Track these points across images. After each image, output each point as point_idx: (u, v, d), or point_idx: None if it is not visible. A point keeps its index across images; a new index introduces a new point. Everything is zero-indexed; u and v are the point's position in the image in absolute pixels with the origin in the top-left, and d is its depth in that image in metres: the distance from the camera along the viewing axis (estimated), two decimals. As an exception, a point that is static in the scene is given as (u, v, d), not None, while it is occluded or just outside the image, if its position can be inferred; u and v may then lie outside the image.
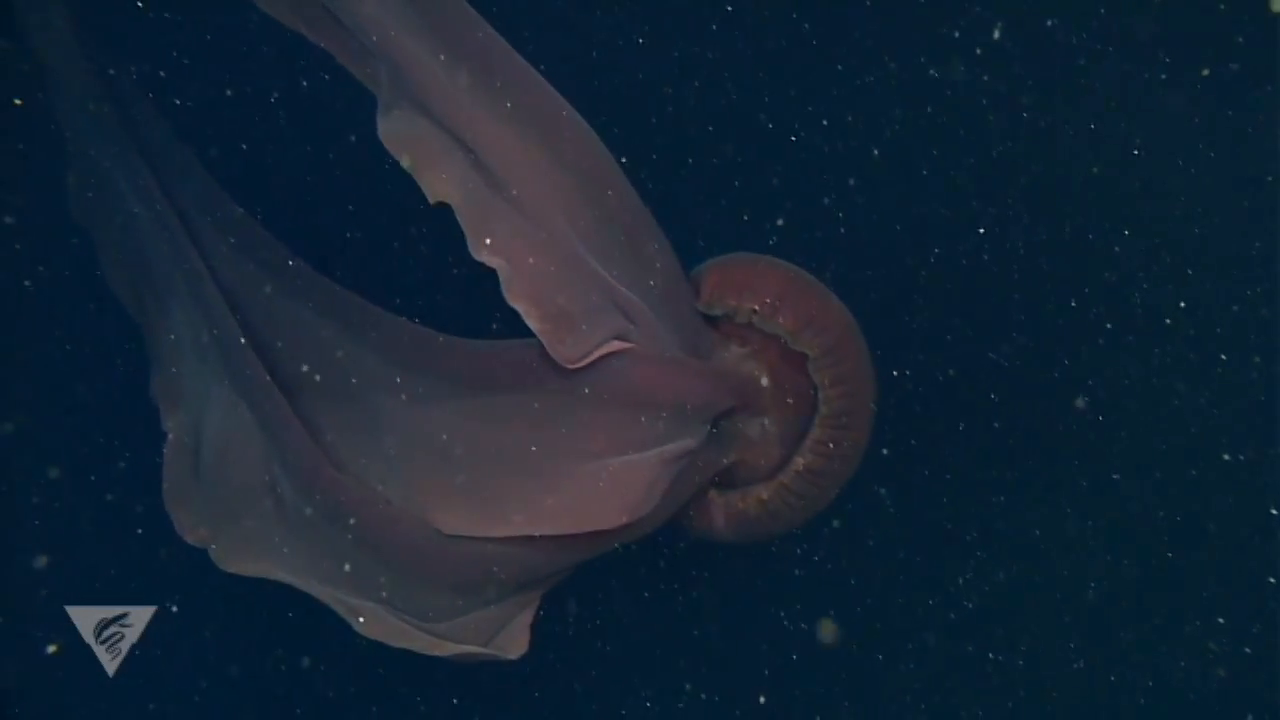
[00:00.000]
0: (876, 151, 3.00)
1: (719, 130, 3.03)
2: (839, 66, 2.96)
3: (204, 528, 2.14)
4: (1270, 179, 2.83)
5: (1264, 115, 2.81)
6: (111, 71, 2.33)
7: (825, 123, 2.98)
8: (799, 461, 2.26)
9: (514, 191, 1.93)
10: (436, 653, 2.06)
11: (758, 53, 2.99)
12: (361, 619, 2.04)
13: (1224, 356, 2.90)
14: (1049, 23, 2.88)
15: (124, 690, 2.89)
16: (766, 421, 2.28)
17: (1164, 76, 2.86)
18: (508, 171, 1.92)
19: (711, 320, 2.28)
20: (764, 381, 2.26)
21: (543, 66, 1.99)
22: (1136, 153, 2.88)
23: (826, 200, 3.00)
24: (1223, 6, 2.78)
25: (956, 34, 2.91)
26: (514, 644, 2.15)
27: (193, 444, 2.19)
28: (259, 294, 2.13)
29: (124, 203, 2.26)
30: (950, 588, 3.04)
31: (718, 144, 3.03)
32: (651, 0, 2.99)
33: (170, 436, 2.22)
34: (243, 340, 2.05)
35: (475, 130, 1.91)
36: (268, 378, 2.03)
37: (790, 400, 2.25)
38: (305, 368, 2.08)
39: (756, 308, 2.21)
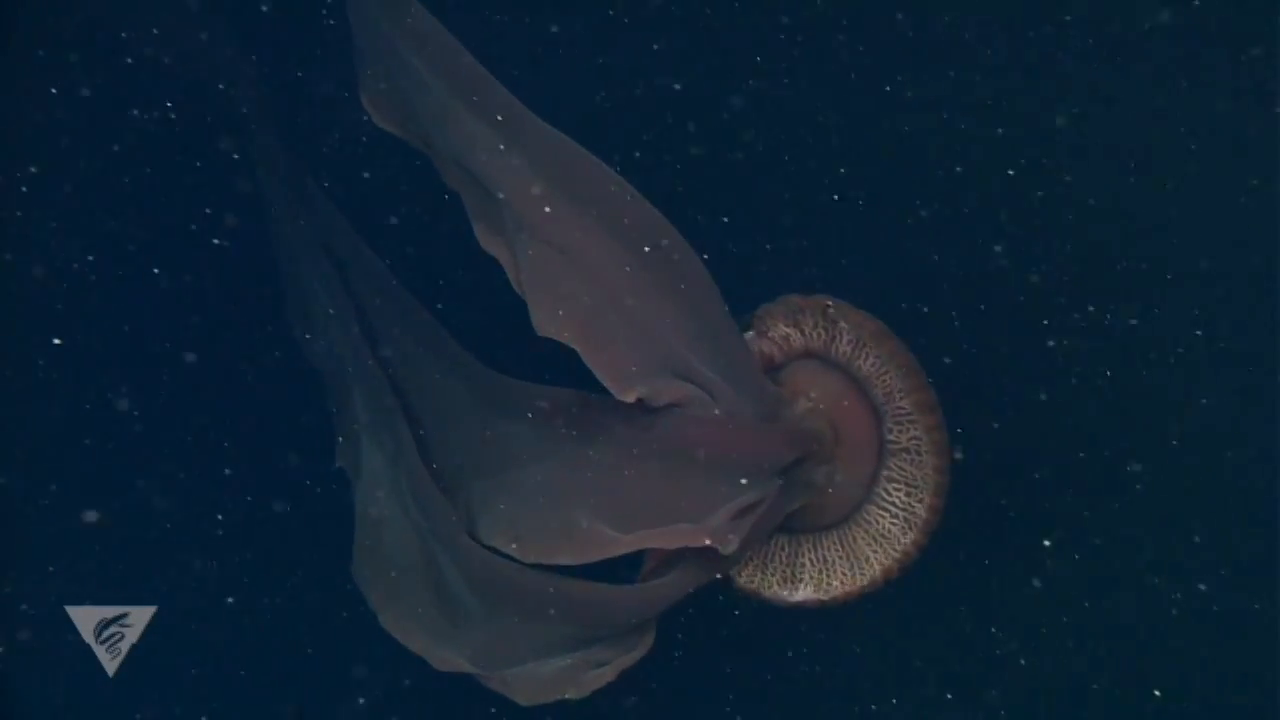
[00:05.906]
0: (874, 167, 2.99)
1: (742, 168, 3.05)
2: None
3: (376, 594, 2.38)
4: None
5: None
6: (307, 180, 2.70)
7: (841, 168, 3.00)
8: (906, 540, 2.36)
9: (583, 265, 2.13)
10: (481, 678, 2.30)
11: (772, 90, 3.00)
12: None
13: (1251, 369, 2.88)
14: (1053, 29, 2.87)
15: (124, 690, 2.89)
16: (831, 470, 2.36)
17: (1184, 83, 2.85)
18: (580, 256, 2.13)
19: (776, 379, 2.38)
20: (828, 433, 2.35)
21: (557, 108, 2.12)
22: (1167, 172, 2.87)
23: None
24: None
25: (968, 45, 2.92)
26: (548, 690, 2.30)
27: (369, 516, 2.42)
28: (417, 378, 2.42)
29: (317, 295, 2.56)
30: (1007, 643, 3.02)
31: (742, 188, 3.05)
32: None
33: (357, 510, 2.45)
34: (405, 425, 2.33)
35: (543, 215, 2.13)
36: (419, 461, 2.29)
37: (854, 450, 2.37)
38: (450, 439, 2.36)
39: (830, 304, 2.31)
